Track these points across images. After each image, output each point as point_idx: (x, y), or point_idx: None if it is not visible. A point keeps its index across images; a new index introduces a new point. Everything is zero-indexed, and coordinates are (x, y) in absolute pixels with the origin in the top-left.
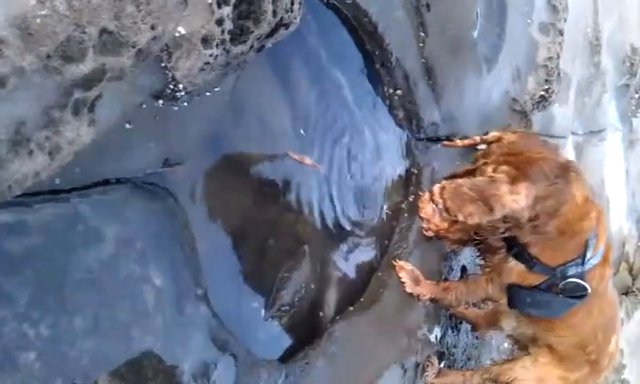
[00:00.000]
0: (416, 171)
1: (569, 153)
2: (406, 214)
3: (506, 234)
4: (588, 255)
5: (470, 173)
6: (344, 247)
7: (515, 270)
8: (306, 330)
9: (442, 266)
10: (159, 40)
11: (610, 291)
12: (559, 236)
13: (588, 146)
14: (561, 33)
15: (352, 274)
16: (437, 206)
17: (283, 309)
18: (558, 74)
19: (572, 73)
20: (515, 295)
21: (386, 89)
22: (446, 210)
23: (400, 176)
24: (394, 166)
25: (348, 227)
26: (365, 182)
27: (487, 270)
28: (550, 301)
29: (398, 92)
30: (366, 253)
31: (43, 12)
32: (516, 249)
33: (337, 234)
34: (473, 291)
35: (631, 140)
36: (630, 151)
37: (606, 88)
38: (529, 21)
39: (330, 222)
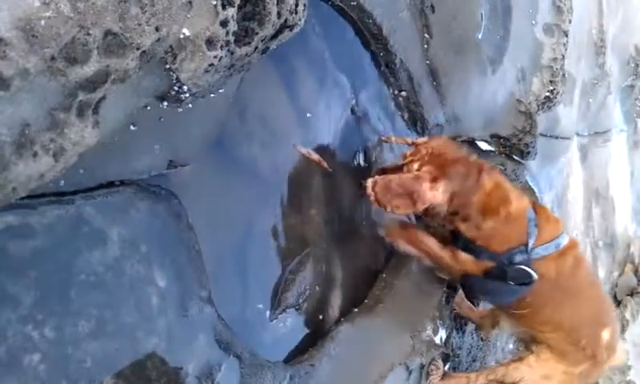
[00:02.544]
0: None
1: (574, 154)
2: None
3: (449, 227)
4: (530, 242)
5: (399, 169)
6: (348, 248)
7: (468, 260)
8: (311, 332)
9: None
10: (164, 42)
11: (587, 286)
12: (490, 223)
13: (593, 146)
14: (565, 34)
15: (356, 275)
16: (369, 197)
17: (288, 310)
18: (563, 75)
19: (577, 74)
20: (467, 283)
21: (390, 90)
22: (377, 202)
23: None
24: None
25: (352, 228)
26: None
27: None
28: (498, 288)
29: (403, 93)
30: (370, 254)
31: (47, 14)
32: (461, 241)
33: (341, 235)
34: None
35: (636, 141)
36: (635, 152)
37: (610, 89)
38: (533, 22)
39: (334, 223)
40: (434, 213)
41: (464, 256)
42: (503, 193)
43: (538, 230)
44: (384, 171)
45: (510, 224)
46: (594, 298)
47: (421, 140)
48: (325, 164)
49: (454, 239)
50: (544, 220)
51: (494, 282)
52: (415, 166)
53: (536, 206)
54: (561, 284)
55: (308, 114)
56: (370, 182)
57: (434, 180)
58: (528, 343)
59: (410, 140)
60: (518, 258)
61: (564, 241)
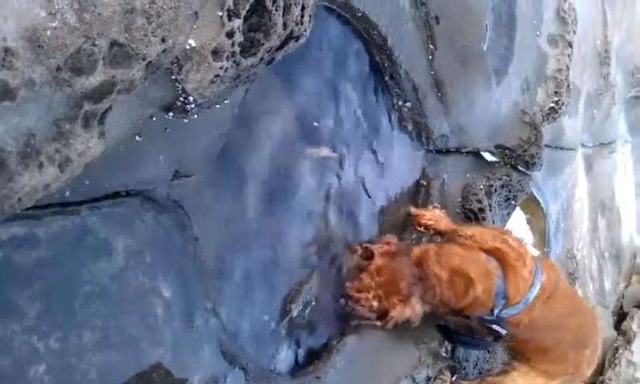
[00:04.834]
0: (425, 183)
1: (579, 165)
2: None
3: None
4: (495, 311)
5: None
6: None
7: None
8: (317, 343)
9: None
10: (169, 52)
11: (565, 317)
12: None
13: (598, 157)
14: (570, 45)
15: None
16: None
17: (293, 322)
18: (568, 85)
19: (581, 85)
20: (451, 336)
21: (395, 101)
22: None
23: (409, 188)
24: (404, 178)
25: (358, 238)
26: (374, 194)
27: None
28: (472, 341)
29: (408, 104)
30: None
31: (54, 24)
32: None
33: (347, 246)
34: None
35: None
36: None
37: (615, 100)
38: (538, 33)
39: (339, 234)
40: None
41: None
42: (466, 277)
43: (508, 298)
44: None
45: (477, 300)
46: (574, 325)
47: (357, 264)
48: (336, 155)
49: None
50: (513, 286)
51: (471, 337)
52: (375, 303)
53: (508, 269)
54: (538, 326)
55: (315, 123)
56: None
57: (405, 303)
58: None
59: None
60: (488, 318)
61: (533, 294)
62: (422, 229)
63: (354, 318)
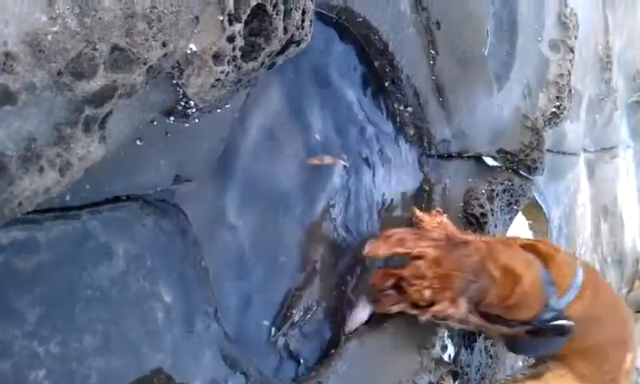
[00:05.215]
0: (427, 188)
1: (581, 169)
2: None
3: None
4: (552, 303)
5: (398, 285)
6: (356, 264)
7: (502, 329)
8: (318, 349)
9: None
10: (170, 57)
11: (610, 310)
12: (512, 305)
13: (600, 162)
14: (571, 50)
15: (364, 291)
16: None
17: (294, 327)
18: (569, 90)
19: (583, 90)
20: (512, 344)
21: (396, 106)
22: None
23: (411, 193)
24: (405, 184)
25: (360, 244)
26: (376, 199)
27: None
28: (542, 343)
29: (409, 109)
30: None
31: (54, 29)
32: (490, 318)
33: (347, 252)
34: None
35: None
36: None
37: (617, 105)
38: (539, 38)
39: (340, 239)
40: (464, 322)
41: (498, 327)
42: (513, 274)
43: (557, 285)
44: (381, 290)
45: (527, 297)
46: (618, 321)
47: (415, 252)
48: (340, 161)
49: (483, 316)
50: (557, 270)
51: (535, 340)
52: (427, 293)
53: (545, 257)
54: (586, 317)
55: (313, 129)
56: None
57: (454, 301)
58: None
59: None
60: (548, 316)
61: (580, 277)
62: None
63: (379, 304)
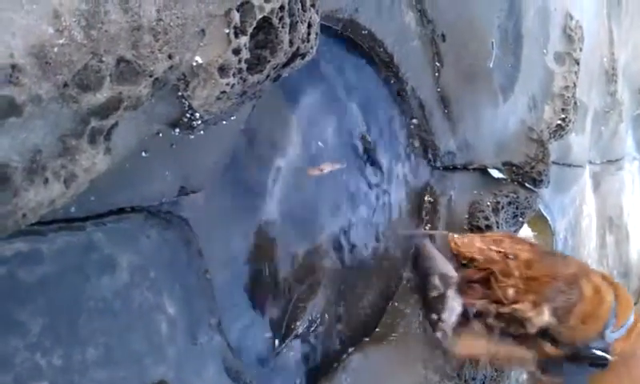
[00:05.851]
0: (432, 200)
1: (586, 182)
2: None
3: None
4: (607, 333)
5: (486, 280)
6: (360, 277)
7: (547, 347)
8: (321, 361)
9: None
10: (176, 69)
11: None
12: (580, 324)
13: (606, 175)
14: (577, 62)
15: (368, 303)
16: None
17: (298, 339)
18: (575, 103)
19: (588, 102)
20: (546, 366)
21: (401, 118)
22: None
23: (416, 205)
24: (410, 195)
25: (363, 256)
26: (380, 210)
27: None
28: (575, 370)
29: (414, 121)
30: (381, 282)
31: (61, 41)
32: (547, 335)
33: (352, 263)
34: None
35: None
36: None
37: (622, 117)
38: (544, 50)
39: (344, 251)
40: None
41: (545, 344)
42: (600, 295)
43: (617, 318)
44: (469, 281)
45: (597, 320)
46: None
47: (510, 251)
48: (338, 165)
49: (541, 334)
50: (622, 304)
51: (570, 365)
52: (511, 291)
53: (616, 290)
54: (628, 356)
55: (320, 143)
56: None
57: (537, 306)
58: None
59: (497, 256)
60: (596, 344)
61: (633, 316)
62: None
63: (465, 295)
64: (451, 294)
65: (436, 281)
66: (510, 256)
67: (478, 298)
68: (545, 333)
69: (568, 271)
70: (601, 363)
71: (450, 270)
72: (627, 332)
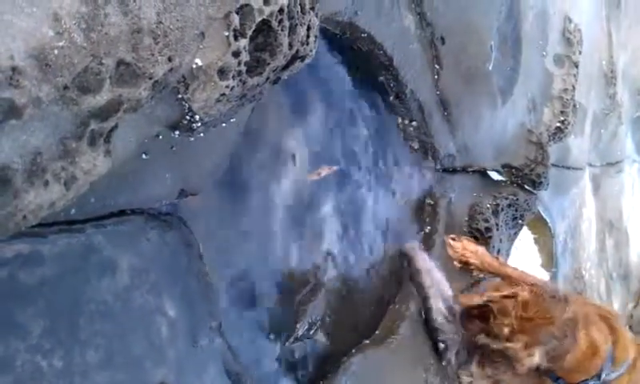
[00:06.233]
0: (432, 202)
1: (586, 184)
2: (422, 246)
3: None
4: (603, 375)
5: (485, 315)
6: (360, 279)
7: (547, 381)
8: (322, 363)
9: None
10: (176, 72)
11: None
12: (575, 367)
13: (605, 177)
14: (576, 65)
15: (368, 306)
16: None
17: (299, 341)
18: (574, 105)
19: (587, 105)
20: None
21: (400, 120)
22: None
23: (416, 207)
24: (410, 198)
25: (363, 258)
26: (380, 213)
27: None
28: None
29: (413, 123)
30: (381, 284)
31: (61, 43)
32: (544, 372)
33: (352, 266)
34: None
35: None
36: None
37: (621, 120)
38: (543, 53)
39: (344, 253)
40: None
41: (543, 379)
42: (595, 349)
43: (615, 360)
44: (469, 311)
45: (591, 364)
46: None
47: (509, 291)
48: (335, 168)
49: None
50: (620, 348)
51: None
52: (506, 330)
53: (614, 332)
54: None
55: (318, 144)
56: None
57: (529, 347)
58: None
59: (497, 295)
60: (592, 383)
61: (632, 356)
62: (460, 265)
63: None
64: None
65: (439, 304)
66: (510, 296)
67: (476, 331)
68: (548, 374)
69: (565, 317)
70: None
71: (445, 285)
72: (627, 370)
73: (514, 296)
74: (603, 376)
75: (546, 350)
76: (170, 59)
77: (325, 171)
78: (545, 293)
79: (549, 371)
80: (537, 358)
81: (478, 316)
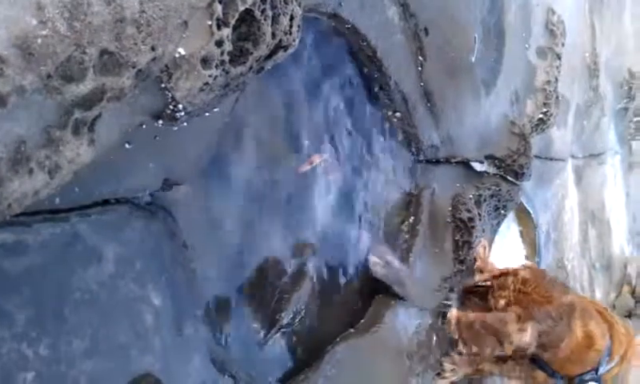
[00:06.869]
0: (415, 193)
1: (569, 175)
2: (405, 235)
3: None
4: (601, 369)
5: (484, 294)
6: (344, 268)
7: (540, 374)
8: (307, 352)
9: (442, 286)
10: (159, 61)
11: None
12: (570, 359)
13: (588, 169)
14: (559, 57)
15: (353, 295)
16: (452, 335)
17: (283, 330)
18: (557, 97)
19: (571, 96)
20: None
21: (384, 111)
22: (462, 340)
23: (400, 198)
24: (394, 188)
25: (348, 248)
26: (364, 204)
27: (518, 370)
28: None
29: (397, 114)
30: (366, 274)
31: (44, 32)
32: (538, 363)
33: (337, 255)
34: (506, 375)
35: (630, 163)
36: (630, 174)
37: (604, 112)
38: (527, 45)
39: (330, 243)
40: (520, 350)
41: (537, 372)
42: (591, 341)
43: (611, 354)
44: (468, 291)
45: (588, 357)
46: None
47: (510, 269)
48: (324, 157)
49: (531, 359)
50: (616, 343)
51: None
52: (502, 302)
53: (611, 328)
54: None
55: (303, 134)
56: (453, 316)
57: (522, 321)
58: None
59: (498, 271)
60: (589, 377)
61: (624, 347)
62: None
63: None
64: None
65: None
66: (511, 272)
67: (472, 307)
68: (535, 360)
69: (564, 300)
70: None
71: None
72: (620, 360)
73: (514, 273)
74: (601, 370)
75: (539, 331)
76: (153, 48)
77: (315, 160)
78: (545, 275)
79: (542, 362)
80: (527, 335)
81: (477, 294)
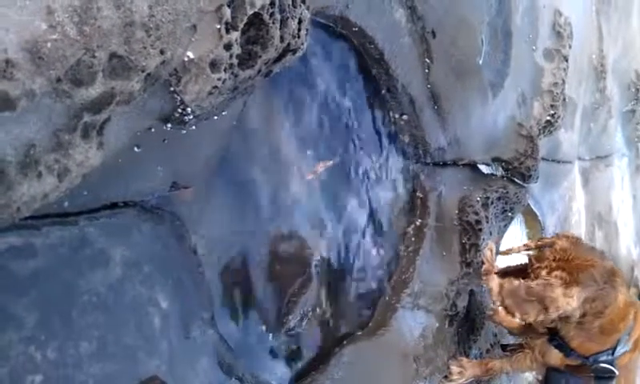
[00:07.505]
0: (422, 196)
1: (576, 178)
2: (412, 238)
3: (552, 325)
4: (619, 348)
5: (522, 271)
6: (351, 271)
7: (555, 354)
8: (314, 355)
9: (448, 290)
10: (168, 64)
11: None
12: (599, 333)
13: (595, 171)
14: (565, 59)
15: (360, 298)
16: (495, 303)
17: (290, 333)
18: (564, 99)
19: (578, 98)
20: (552, 377)
21: (392, 114)
22: (505, 307)
23: (406, 201)
24: (401, 191)
25: (355, 251)
26: (371, 206)
27: (529, 349)
28: (580, 382)
29: (404, 117)
30: (373, 277)
31: (54, 36)
32: (556, 340)
33: (344, 258)
34: (517, 368)
35: (638, 165)
36: (637, 176)
37: (611, 113)
38: (534, 47)
39: (336, 246)
40: (564, 318)
41: (554, 352)
42: (628, 310)
43: (629, 335)
44: (506, 274)
45: (613, 335)
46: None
47: (547, 240)
48: (331, 162)
49: (550, 337)
50: (637, 325)
51: (577, 378)
52: (544, 272)
53: (636, 309)
54: (630, 368)
55: (310, 136)
56: (494, 285)
57: (567, 285)
58: None
59: (533, 243)
60: (604, 358)
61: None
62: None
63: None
64: None
65: None
66: (548, 244)
67: (513, 283)
68: (554, 336)
69: (606, 264)
70: (607, 376)
71: None
72: (633, 345)
73: (552, 244)
74: (618, 350)
75: (586, 297)
76: (162, 52)
77: (321, 167)
78: (583, 242)
79: (561, 339)
80: (574, 301)
81: (514, 273)
